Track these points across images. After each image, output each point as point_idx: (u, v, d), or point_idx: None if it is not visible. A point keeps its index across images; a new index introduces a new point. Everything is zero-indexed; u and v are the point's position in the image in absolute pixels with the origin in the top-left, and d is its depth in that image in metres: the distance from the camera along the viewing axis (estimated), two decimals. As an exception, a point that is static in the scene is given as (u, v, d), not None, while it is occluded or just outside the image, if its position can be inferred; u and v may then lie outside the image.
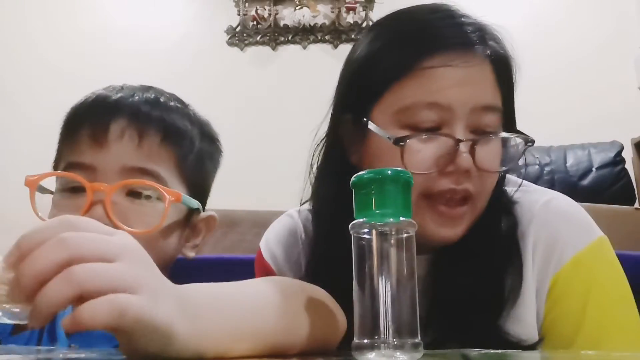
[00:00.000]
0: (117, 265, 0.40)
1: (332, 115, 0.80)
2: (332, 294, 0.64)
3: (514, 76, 0.76)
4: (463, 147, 0.69)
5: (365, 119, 0.74)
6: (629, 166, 2.68)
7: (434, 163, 0.70)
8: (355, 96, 0.76)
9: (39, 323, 0.38)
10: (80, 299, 0.38)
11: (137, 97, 0.78)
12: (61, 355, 0.56)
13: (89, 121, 0.75)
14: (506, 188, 0.79)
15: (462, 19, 0.74)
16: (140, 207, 0.73)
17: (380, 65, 0.74)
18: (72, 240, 0.39)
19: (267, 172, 2.87)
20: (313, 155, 0.82)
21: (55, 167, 0.80)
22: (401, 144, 0.70)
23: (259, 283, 0.57)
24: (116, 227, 0.69)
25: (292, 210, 0.91)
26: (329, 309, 0.62)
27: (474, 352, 0.72)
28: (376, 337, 0.46)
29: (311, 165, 0.82)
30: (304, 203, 0.87)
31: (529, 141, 0.74)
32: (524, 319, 0.74)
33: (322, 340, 0.59)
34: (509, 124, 0.75)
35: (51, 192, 0.78)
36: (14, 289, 0.38)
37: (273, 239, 0.88)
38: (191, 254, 0.82)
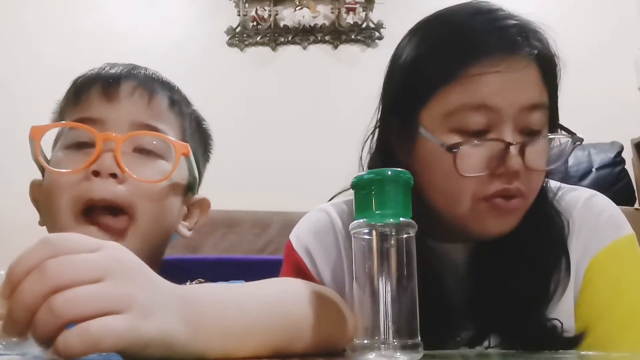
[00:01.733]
0: (101, 287, 0.38)
1: (381, 119, 0.82)
2: None
3: (558, 74, 0.78)
4: (513, 150, 0.70)
5: (416, 123, 0.75)
6: (628, 167, 2.68)
7: (486, 166, 0.71)
8: (403, 101, 0.77)
9: (44, 348, 0.38)
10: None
11: (143, 72, 0.79)
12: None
13: (100, 81, 0.76)
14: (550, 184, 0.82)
15: (506, 22, 0.74)
16: (148, 163, 0.74)
17: (427, 71, 0.75)
18: (53, 269, 0.38)
19: (267, 173, 2.87)
20: (361, 156, 0.84)
21: (57, 138, 0.79)
22: (454, 150, 0.71)
23: (266, 284, 0.57)
24: (126, 175, 0.70)
25: (325, 205, 0.89)
26: (337, 310, 0.61)
27: (473, 352, 0.72)
28: (376, 337, 0.46)
29: (362, 167, 0.83)
30: (335, 196, 0.88)
31: (577, 140, 0.76)
32: (566, 310, 0.76)
33: (330, 342, 0.58)
34: (553, 120, 0.77)
35: (46, 162, 0.77)
36: (7, 322, 0.38)
37: (306, 233, 0.86)
38: (187, 233, 0.82)
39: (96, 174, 0.70)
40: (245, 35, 3.10)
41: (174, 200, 0.77)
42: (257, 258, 2.14)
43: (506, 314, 0.74)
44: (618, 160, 2.62)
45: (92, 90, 0.75)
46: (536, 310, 0.74)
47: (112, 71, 0.78)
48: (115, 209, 0.71)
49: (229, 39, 3.10)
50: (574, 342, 0.74)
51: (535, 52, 0.73)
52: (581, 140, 0.75)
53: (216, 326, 0.46)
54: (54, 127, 0.77)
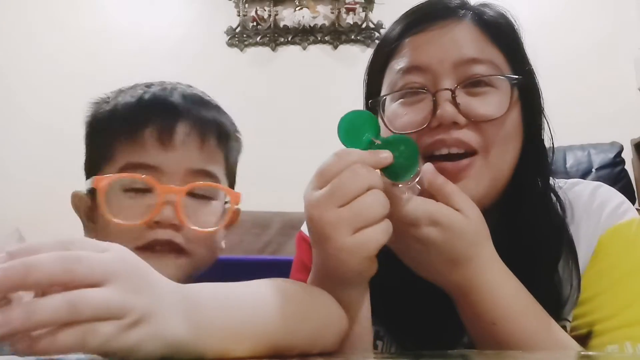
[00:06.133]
0: (101, 292, 0.39)
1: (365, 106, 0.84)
2: (385, 277, 0.66)
3: (511, 34, 0.77)
4: (442, 98, 0.70)
5: (372, 103, 0.78)
6: (628, 167, 2.68)
7: (420, 121, 0.71)
8: (372, 86, 0.81)
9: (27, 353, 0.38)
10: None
11: (190, 98, 0.80)
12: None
13: (154, 122, 0.76)
14: (555, 181, 0.80)
15: None
16: (202, 207, 0.77)
17: (382, 50, 0.79)
18: (56, 265, 0.38)
19: (267, 173, 2.88)
20: None
21: (105, 164, 0.78)
22: (374, 104, 0.76)
23: (262, 284, 0.57)
24: (185, 226, 0.73)
25: None
26: (330, 311, 0.62)
27: (473, 352, 0.72)
28: None
29: None
30: None
31: (513, 80, 0.73)
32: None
33: (323, 342, 0.59)
34: (524, 83, 0.75)
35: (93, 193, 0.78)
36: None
37: None
38: (223, 244, 0.85)
39: (157, 223, 0.73)
40: (245, 36, 3.10)
41: (221, 234, 0.81)
42: (257, 258, 2.14)
43: None
44: (618, 160, 2.63)
45: (146, 133, 0.75)
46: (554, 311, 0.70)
47: (165, 108, 0.78)
48: (175, 247, 0.74)
49: (229, 39, 3.11)
50: (582, 343, 0.70)
51: (472, 15, 0.75)
52: (517, 79, 0.73)
53: (217, 325, 0.47)
54: (118, 178, 0.76)
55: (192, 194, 0.76)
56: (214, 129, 0.80)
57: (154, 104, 0.79)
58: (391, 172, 0.64)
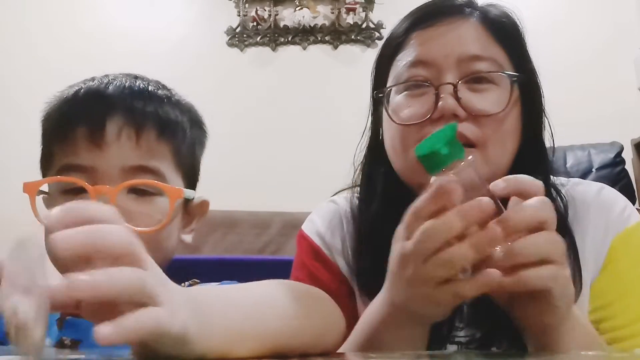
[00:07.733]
0: (142, 274, 0.40)
1: (372, 112, 0.85)
2: (380, 274, 0.65)
3: (515, 35, 0.79)
4: (444, 91, 0.72)
5: (377, 94, 0.80)
6: (628, 167, 2.68)
7: (422, 113, 0.73)
8: (379, 80, 0.83)
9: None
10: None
11: (128, 91, 0.77)
12: (61, 356, 0.56)
13: (84, 120, 0.74)
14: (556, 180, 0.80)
15: None
16: (144, 205, 0.73)
17: (389, 46, 0.82)
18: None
19: (267, 173, 2.88)
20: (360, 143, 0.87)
21: (47, 166, 0.78)
22: (380, 95, 0.78)
23: (263, 285, 0.57)
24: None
25: (335, 197, 0.92)
26: (331, 313, 0.62)
27: (473, 352, 0.72)
28: None
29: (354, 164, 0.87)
30: (338, 192, 0.91)
31: (513, 77, 0.75)
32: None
33: (323, 342, 0.59)
34: (526, 83, 0.76)
35: (46, 193, 0.77)
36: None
37: (319, 221, 0.89)
38: (188, 238, 0.82)
39: None
40: (245, 36, 3.10)
41: (173, 230, 0.78)
42: (257, 258, 2.14)
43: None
44: (618, 160, 2.62)
45: (77, 133, 0.73)
46: None
47: (96, 103, 0.75)
48: None
49: (229, 39, 3.10)
50: None
51: (478, 13, 0.78)
52: (516, 76, 0.75)
53: (221, 325, 0.47)
54: (46, 182, 0.75)
55: (134, 191, 0.73)
56: (154, 122, 0.76)
57: (86, 100, 0.76)
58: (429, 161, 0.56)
